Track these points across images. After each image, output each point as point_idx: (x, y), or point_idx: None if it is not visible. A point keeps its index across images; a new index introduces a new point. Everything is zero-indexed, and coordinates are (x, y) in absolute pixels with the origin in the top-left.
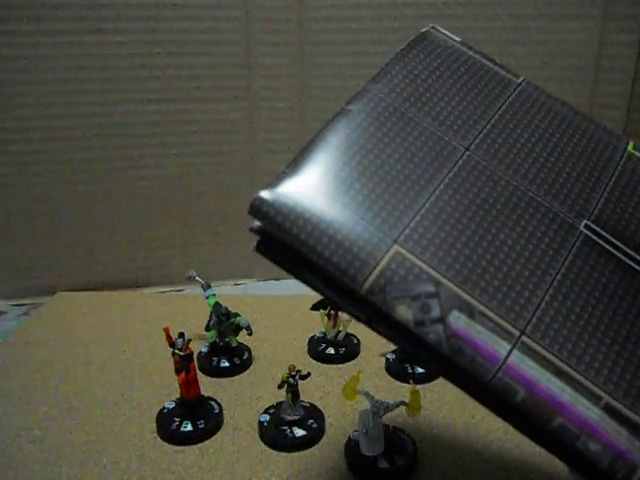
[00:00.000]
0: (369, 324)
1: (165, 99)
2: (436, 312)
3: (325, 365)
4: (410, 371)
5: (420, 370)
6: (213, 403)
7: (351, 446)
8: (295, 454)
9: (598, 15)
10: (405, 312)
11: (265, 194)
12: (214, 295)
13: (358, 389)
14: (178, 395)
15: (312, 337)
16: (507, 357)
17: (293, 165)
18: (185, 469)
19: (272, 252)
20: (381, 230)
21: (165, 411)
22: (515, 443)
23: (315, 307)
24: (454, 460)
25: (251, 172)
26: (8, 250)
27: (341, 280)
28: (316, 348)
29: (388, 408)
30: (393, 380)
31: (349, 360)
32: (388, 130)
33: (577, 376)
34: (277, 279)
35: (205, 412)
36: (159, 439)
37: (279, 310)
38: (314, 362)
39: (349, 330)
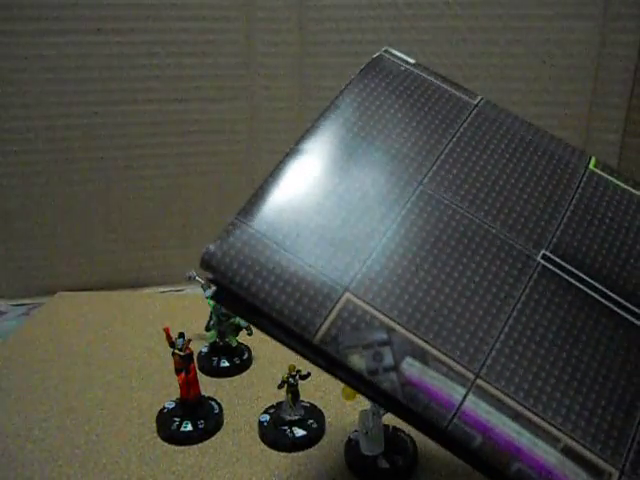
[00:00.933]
0: (328, 371)
1: (165, 99)
2: (389, 360)
3: None
4: None
5: None
6: (213, 403)
7: (351, 446)
8: (295, 454)
9: (598, 15)
10: (358, 361)
11: (214, 248)
12: None
13: None
14: (178, 395)
15: None
16: (462, 402)
17: (243, 214)
18: (185, 469)
19: (229, 302)
20: (332, 278)
21: (165, 411)
22: None
23: None
24: (454, 460)
25: (251, 172)
26: (8, 250)
27: (294, 331)
28: None
29: None
30: None
31: None
32: (340, 169)
33: (534, 418)
34: None
35: (205, 412)
36: (159, 439)
37: None
38: None
39: None
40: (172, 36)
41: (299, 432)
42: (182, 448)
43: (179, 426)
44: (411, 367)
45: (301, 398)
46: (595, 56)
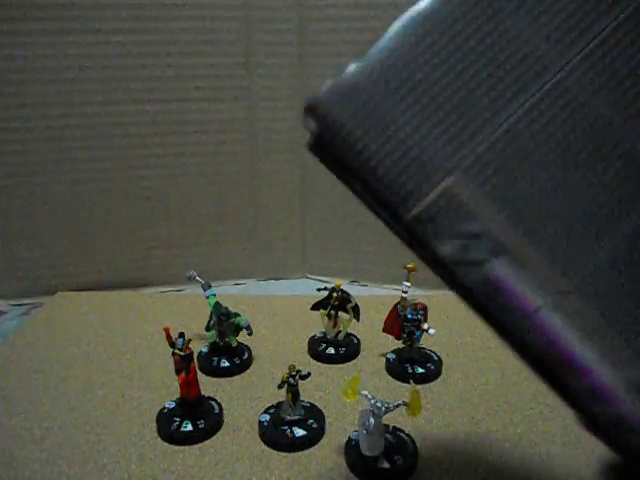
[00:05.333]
0: (410, 246)
1: (165, 99)
2: (479, 254)
3: (325, 365)
4: (410, 371)
5: (420, 370)
6: (213, 403)
7: (351, 446)
8: (295, 454)
9: None
10: (445, 249)
11: (320, 98)
12: (214, 295)
13: (358, 389)
14: (178, 395)
15: (312, 337)
16: (540, 309)
17: (361, 62)
18: (185, 469)
19: (324, 155)
20: (443, 153)
21: (165, 411)
22: (515, 443)
23: (315, 307)
24: (454, 460)
25: (251, 172)
26: (8, 250)
27: (389, 202)
28: (316, 348)
29: (388, 408)
30: (393, 380)
31: (349, 360)
32: (481, 26)
33: (614, 340)
34: (277, 279)
35: (205, 412)
36: (159, 439)
37: (279, 310)
38: (314, 362)
39: (349, 330)
40: (172, 36)
41: (299, 432)
42: (182, 448)
43: (179, 426)
44: (500, 266)
45: (301, 398)
46: None
